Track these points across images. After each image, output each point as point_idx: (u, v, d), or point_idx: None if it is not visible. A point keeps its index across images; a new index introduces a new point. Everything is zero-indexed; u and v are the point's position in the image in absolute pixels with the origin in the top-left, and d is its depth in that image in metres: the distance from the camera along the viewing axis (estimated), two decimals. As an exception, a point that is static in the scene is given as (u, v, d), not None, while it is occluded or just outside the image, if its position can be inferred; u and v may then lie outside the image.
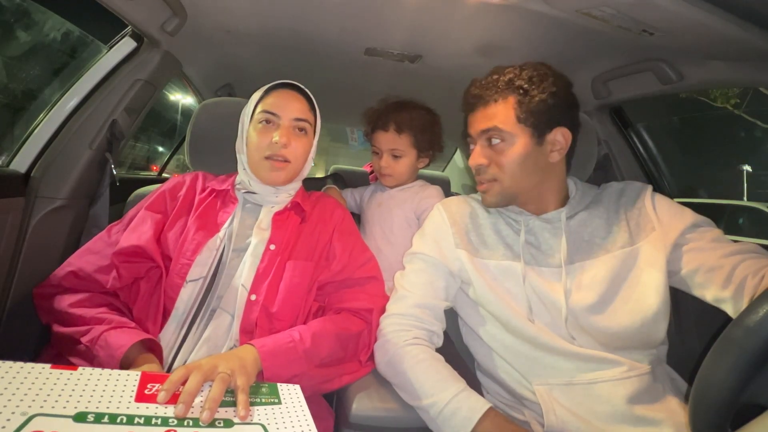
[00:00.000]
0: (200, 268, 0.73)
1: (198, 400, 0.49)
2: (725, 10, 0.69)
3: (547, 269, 0.74)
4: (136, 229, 0.76)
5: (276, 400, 0.54)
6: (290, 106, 0.80)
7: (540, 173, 0.74)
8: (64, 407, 0.43)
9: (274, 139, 0.77)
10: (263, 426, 0.49)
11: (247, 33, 1.14)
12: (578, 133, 0.77)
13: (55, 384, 0.45)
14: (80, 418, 0.42)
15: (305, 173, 0.87)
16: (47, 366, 0.47)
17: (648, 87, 1.06)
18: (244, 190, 0.83)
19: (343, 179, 1.85)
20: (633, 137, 1.33)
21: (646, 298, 0.68)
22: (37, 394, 0.43)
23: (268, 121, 0.79)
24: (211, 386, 0.51)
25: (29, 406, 0.41)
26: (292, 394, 0.57)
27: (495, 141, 0.73)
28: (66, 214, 0.95)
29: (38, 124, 0.97)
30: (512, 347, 0.73)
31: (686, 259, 0.69)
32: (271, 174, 0.79)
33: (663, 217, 0.73)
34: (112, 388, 0.48)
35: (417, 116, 1.08)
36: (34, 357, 0.72)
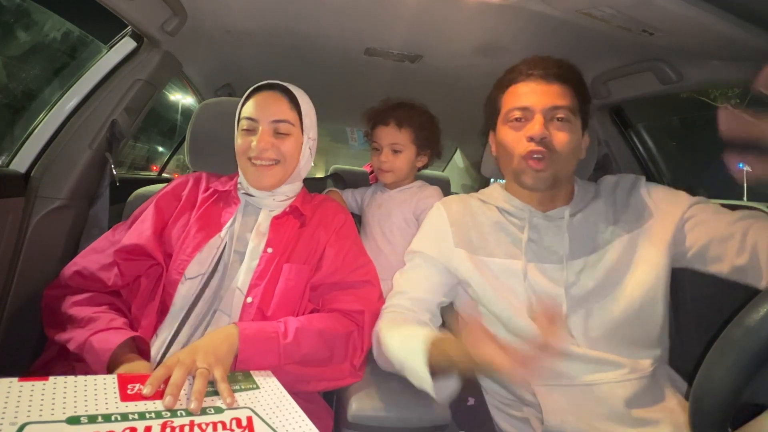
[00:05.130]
0: (199, 265, 0.73)
1: (182, 393, 0.51)
2: (725, 10, 0.69)
3: (549, 266, 0.74)
4: (138, 227, 0.76)
5: (254, 386, 0.56)
6: (268, 110, 0.79)
7: (576, 165, 0.77)
8: (52, 413, 0.43)
9: (252, 145, 0.77)
10: (251, 409, 0.51)
11: (247, 33, 1.14)
12: None
13: (31, 394, 0.44)
14: (73, 421, 0.42)
15: (303, 174, 0.86)
16: (14, 380, 0.46)
17: (648, 87, 1.06)
18: (243, 191, 0.83)
19: (343, 179, 1.85)
20: (633, 137, 1.33)
21: (644, 281, 0.69)
22: (18, 405, 0.42)
23: (248, 128, 0.79)
24: (191, 382, 0.53)
25: (15, 416, 0.41)
26: (267, 379, 0.59)
27: (559, 119, 0.72)
28: (66, 214, 0.95)
29: (38, 124, 0.97)
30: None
31: (693, 236, 0.70)
32: (256, 175, 0.79)
33: (660, 204, 0.74)
34: (93, 392, 0.48)
35: (417, 113, 1.10)
36: (35, 356, 0.73)
